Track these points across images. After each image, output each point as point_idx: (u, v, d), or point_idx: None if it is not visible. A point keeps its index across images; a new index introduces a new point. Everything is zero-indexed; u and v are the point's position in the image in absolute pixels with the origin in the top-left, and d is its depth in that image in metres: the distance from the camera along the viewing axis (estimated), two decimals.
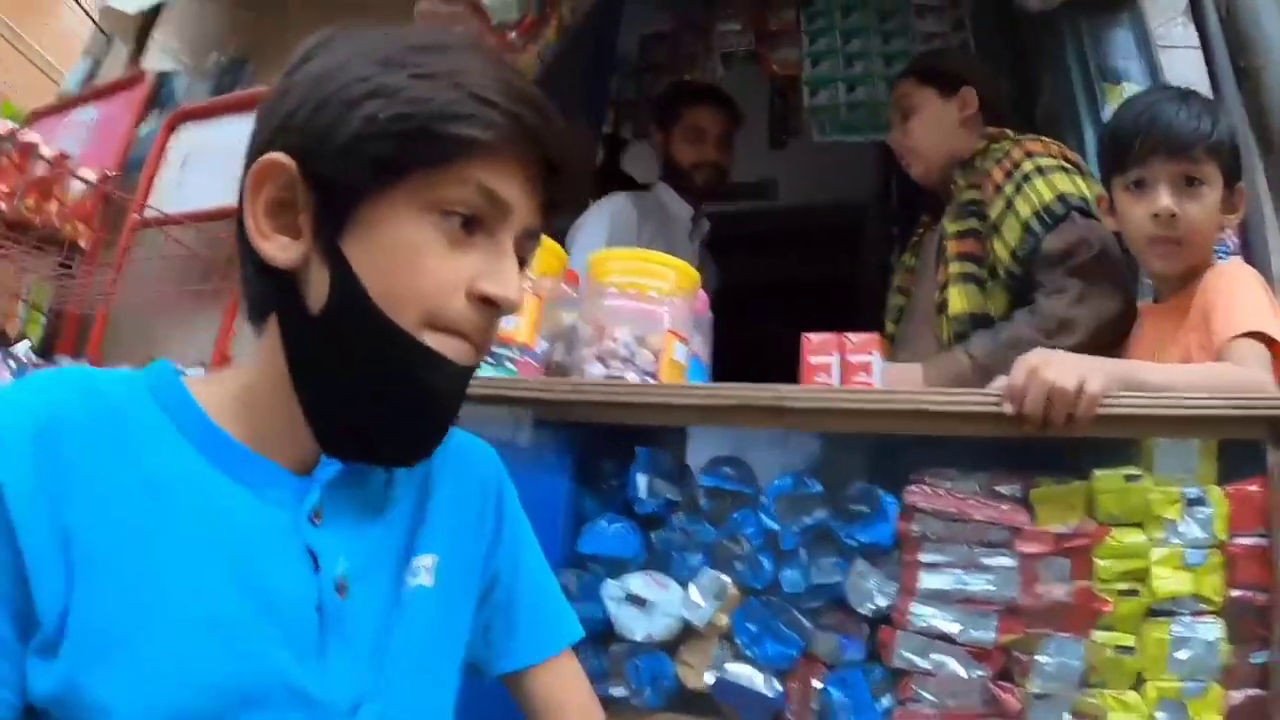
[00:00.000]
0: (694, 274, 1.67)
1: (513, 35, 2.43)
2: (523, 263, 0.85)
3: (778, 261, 3.83)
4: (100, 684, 0.69)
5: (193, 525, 0.76)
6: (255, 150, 0.81)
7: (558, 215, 0.88)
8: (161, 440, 0.78)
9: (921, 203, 2.86)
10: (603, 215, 2.69)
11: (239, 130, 2.76)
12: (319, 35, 0.83)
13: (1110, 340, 1.72)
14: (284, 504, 0.81)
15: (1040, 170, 1.89)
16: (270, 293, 0.82)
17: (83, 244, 2.79)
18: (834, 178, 4.04)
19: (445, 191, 0.77)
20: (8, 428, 0.71)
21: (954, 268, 2.02)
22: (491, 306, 0.80)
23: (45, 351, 2.61)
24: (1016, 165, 1.94)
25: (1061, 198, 1.82)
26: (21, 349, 2.32)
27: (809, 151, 3.52)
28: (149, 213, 2.69)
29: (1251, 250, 1.93)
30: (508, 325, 1.55)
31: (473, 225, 0.79)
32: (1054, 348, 1.60)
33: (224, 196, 2.61)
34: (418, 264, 0.77)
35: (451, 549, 0.93)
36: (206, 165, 2.74)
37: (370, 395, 0.79)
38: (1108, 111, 2.16)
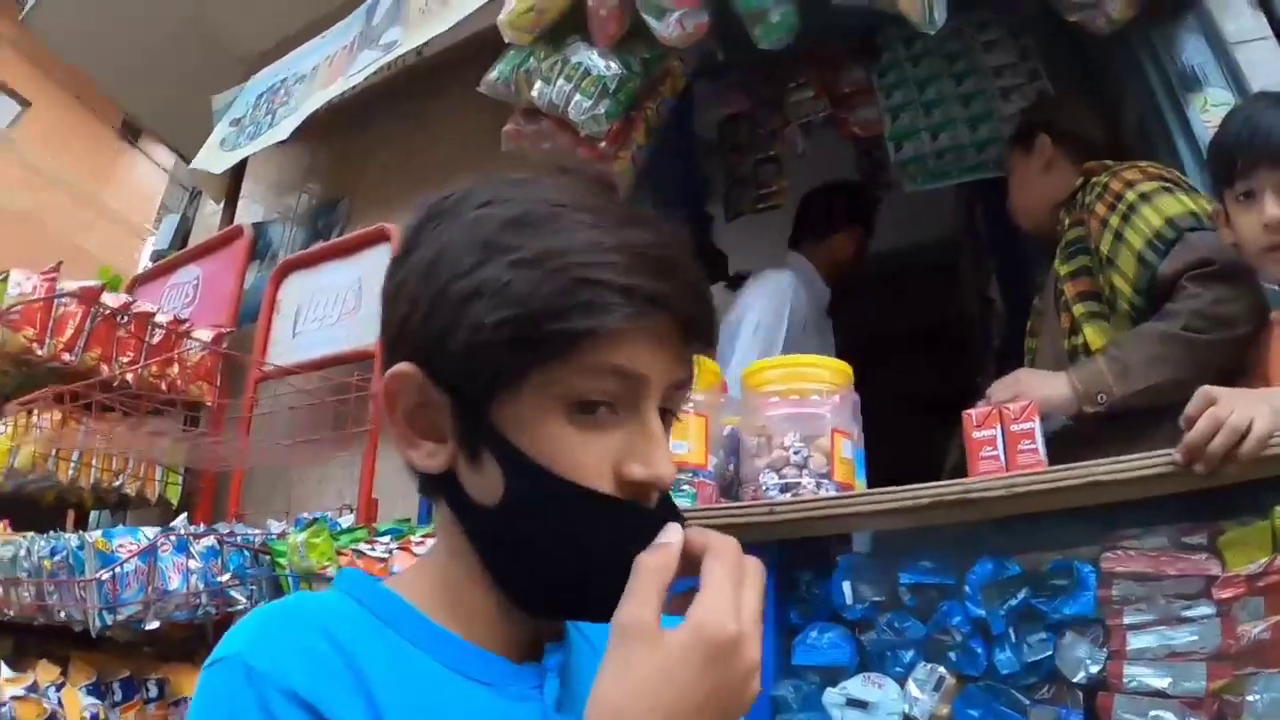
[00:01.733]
0: (846, 368, 1.78)
1: (603, 145, 2.53)
2: (672, 411, 0.83)
3: (877, 311, 3.93)
4: None
5: None
6: (388, 348, 0.82)
7: (703, 352, 0.82)
8: (395, 654, 0.77)
9: (1016, 237, 2.93)
10: (779, 299, 2.92)
11: (345, 275, 2.96)
12: (422, 212, 0.82)
13: (1245, 345, 1.79)
14: (527, 697, 0.80)
15: (1144, 197, 1.95)
16: (435, 490, 0.83)
17: (207, 402, 2.97)
18: (917, 220, 4.13)
19: (572, 385, 0.74)
20: (318, 660, 0.72)
21: (1078, 309, 2.10)
22: (644, 484, 0.77)
23: (189, 514, 2.76)
24: (1119, 197, 2.00)
25: (1170, 222, 1.88)
26: (180, 524, 2.48)
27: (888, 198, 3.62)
28: (269, 366, 2.87)
29: None
30: (679, 450, 1.68)
31: (610, 406, 0.76)
32: (1190, 343, 1.73)
33: (343, 342, 2.80)
34: (560, 460, 0.75)
35: None
36: (319, 313, 2.92)
37: (575, 566, 0.77)
38: (1196, 120, 2.23)
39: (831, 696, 1.51)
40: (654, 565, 0.72)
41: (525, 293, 0.71)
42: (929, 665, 1.48)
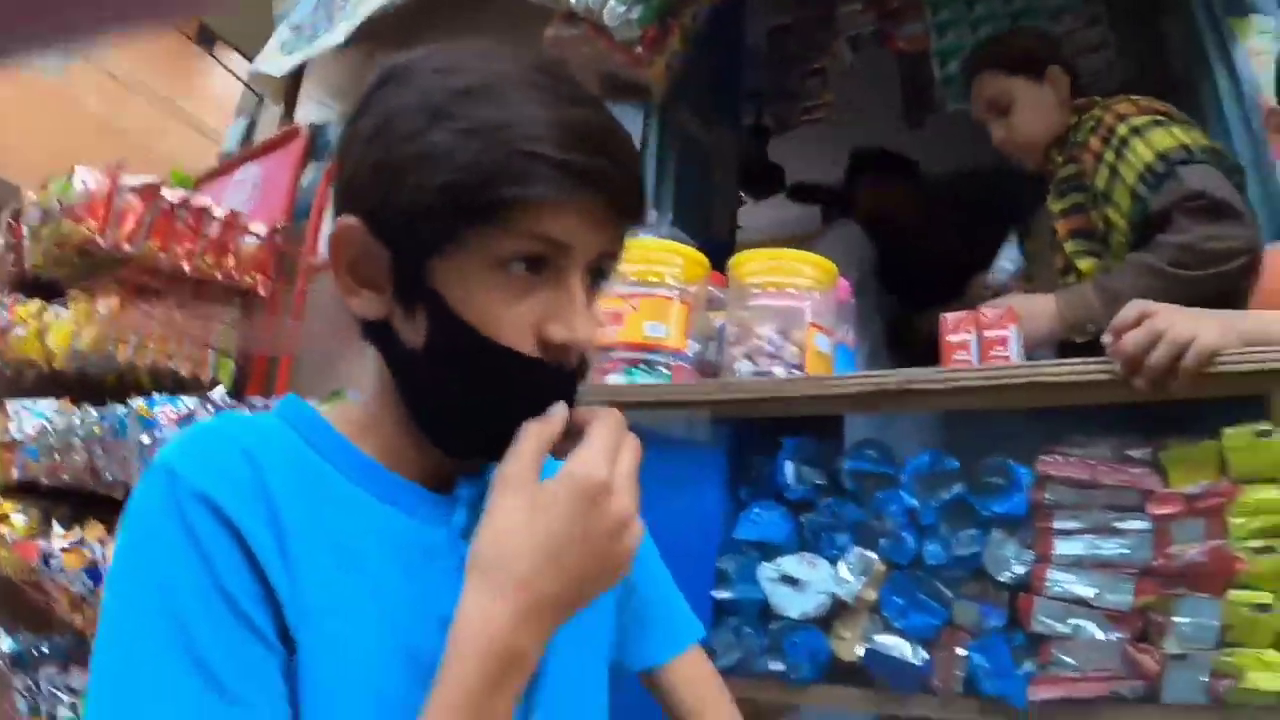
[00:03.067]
0: (831, 267, 1.81)
1: (639, 50, 2.54)
2: (602, 275, 0.89)
3: (932, 240, 3.89)
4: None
5: (365, 552, 0.83)
6: (336, 200, 0.87)
7: (633, 227, 0.88)
8: (311, 475, 0.85)
9: None
10: (847, 252, 3.01)
11: None
12: (378, 74, 0.86)
13: (1236, 278, 1.76)
14: (435, 521, 0.88)
15: (1136, 131, 1.93)
16: (372, 335, 0.88)
17: (261, 292, 3.10)
18: (970, 146, 4.06)
19: (504, 247, 0.79)
20: (230, 471, 0.79)
21: (1070, 247, 2.09)
22: (564, 346, 0.84)
23: (237, 394, 2.89)
24: (1112, 131, 1.98)
25: (1162, 156, 1.86)
26: (218, 394, 2.61)
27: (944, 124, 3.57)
28: (320, 259, 2.98)
29: None
30: (658, 334, 1.75)
31: (538, 265, 0.82)
32: (1175, 277, 1.72)
33: None
34: (489, 317, 0.81)
35: None
36: None
37: (486, 414, 0.84)
38: (1238, 51, 2.20)
39: (766, 571, 1.57)
40: (537, 430, 0.82)
41: (467, 161, 0.77)
42: (860, 550, 1.53)
